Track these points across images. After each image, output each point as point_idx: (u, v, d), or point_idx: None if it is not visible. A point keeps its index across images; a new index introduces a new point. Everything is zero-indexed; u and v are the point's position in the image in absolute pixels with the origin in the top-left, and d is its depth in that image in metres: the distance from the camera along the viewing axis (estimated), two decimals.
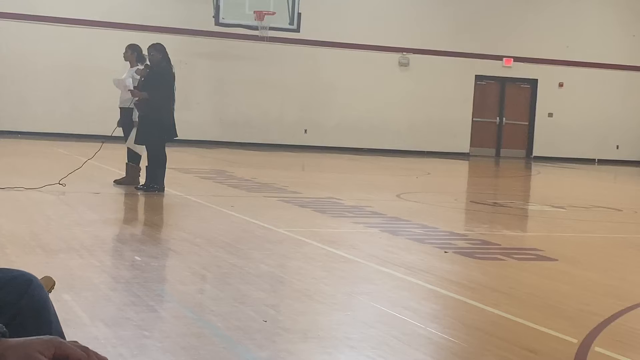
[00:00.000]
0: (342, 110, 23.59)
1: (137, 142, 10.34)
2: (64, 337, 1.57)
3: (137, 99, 10.17)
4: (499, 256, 6.81)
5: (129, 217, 8.93)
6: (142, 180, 10.40)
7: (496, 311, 4.74)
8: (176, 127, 10.31)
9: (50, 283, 2.44)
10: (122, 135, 10.89)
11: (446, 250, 6.84)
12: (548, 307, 5.00)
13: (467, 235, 7.97)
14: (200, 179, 12.39)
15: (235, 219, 8.22)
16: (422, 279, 5.59)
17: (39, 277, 1.80)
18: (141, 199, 9.81)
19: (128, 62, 10.94)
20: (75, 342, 1.34)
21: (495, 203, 11.56)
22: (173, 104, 10.30)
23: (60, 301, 4.19)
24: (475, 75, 25.05)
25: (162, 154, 10.18)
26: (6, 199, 8.66)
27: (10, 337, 1.34)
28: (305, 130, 23.47)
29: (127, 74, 10.65)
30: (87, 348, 1.34)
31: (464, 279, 5.76)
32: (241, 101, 22.77)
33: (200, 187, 11.33)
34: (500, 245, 7.44)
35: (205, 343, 3.84)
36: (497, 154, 25.63)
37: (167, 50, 10.25)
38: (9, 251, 5.75)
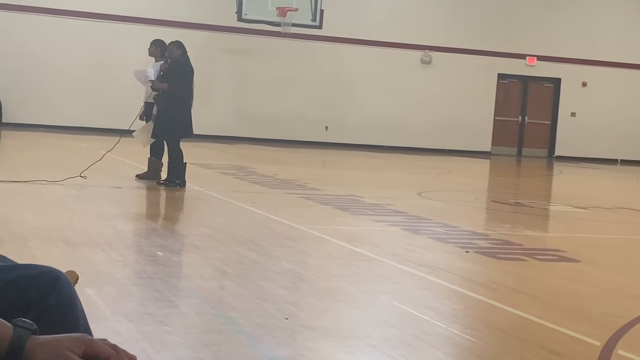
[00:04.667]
0: (364, 107, 23.56)
1: (153, 136, 10.38)
2: (91, 334, 1.57)
3: (156, 93, 10.24)
4: (521, 257, 6.77)
5: (151, 211, 8.96)
6: (164, 175, 10.44)
7: (518, 312, 4.72)
8: (192, 124, 10.35)
9: (74, 277, 2.45)
10: None
11: (467, 250, 6.81)
12: (570, 308, 4.97)
13: (488, 235, 7.93)
14: (222, 175, 12.41)
15: (257, 215, 8.23)
16: (443, 279, 5.58)
17: (63, 271, 1.81)
18: (163, 193, 9.85)
19: (153, 58, 11.00)
20: (105, 339, 1.34)
21: (517, 203, 11.50)
22: (191, 101, 10.35)
23: (84, 295, 4.20)
24: (498, 74, 24.93)
25: (178, 149, 10.22)
26: (29, 192, 8.72)
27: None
28: (327, 127, 23.46)
29: (152, 68, 10.69)
30: (117, 346, 1.34)
31: (486, 279, 5.73)
32: (263, 97, 22.80)
33: (222, 182, 11.36)
34: (522, 245, 7.40)
35: (227, 339, 3.85)
36: (519, 153, 25.50)
37: (187, 46, 10.31)
38: (32, 244, 5.79)
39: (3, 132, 18.91)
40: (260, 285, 5.04)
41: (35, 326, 1.33)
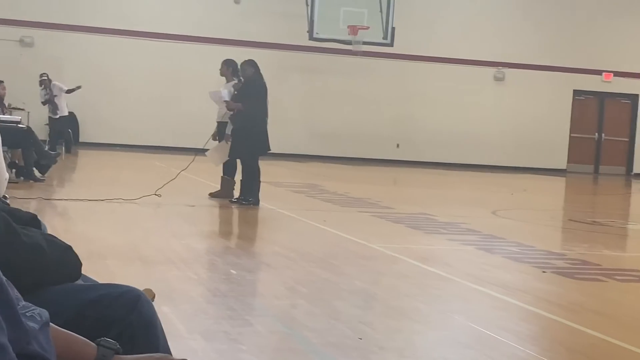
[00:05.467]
0: (435, 124, 23.41)
1: (230, 155, 10.49)
2: (170, 353, 1.58)
3: (232, 112, 10.35)
4: (599, 277, 6.60)
5: (224, 230, 9.04)
6: (237, 193, 10.52)
7: (598, 334, 4.59)
8: (269, 141, 10.43)
9: (151, 295, 2.48)
10: None
11: (544, 270, 6.67)
12: None
13: (565, 255, 7.76)
14: (293, 193, 12.46)
15: (328, 233, 8.22)
16: (519, 299, 5.47)
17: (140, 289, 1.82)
18: (235, 212, 9.93)
19: (224, 78, 11.12)
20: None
21: (594, 222, 11.23)
22: (266, 118, 10.44)
23: (160, 313, 4.23)
24: (574, 90, 24.50)
25: (256, 167, 10.29)
26: (106, 211, 8.89)
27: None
28: (398, 145, 23.37)
29: (226, 89, 10.82)
30: None
31: (563, 300, 5.60)
32: (334, 115, 22.85)
33: (293, 200, 11.39)
34: (600, 265, 7.21)
35: (301, 359, 3.84)
36: (596, 171, 24.97)
37: (260, 65, 10.40)
38: (110, 262, 5.88)
39: (80, 151, 19.37)
40: (333, 304, 5.02)
41: (118, 346, 1.34)
